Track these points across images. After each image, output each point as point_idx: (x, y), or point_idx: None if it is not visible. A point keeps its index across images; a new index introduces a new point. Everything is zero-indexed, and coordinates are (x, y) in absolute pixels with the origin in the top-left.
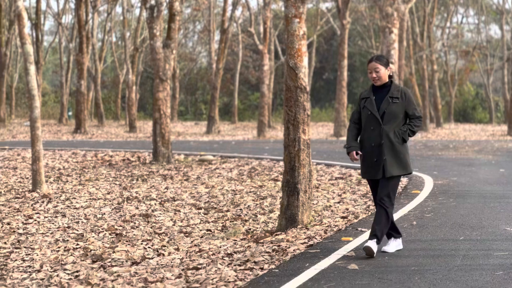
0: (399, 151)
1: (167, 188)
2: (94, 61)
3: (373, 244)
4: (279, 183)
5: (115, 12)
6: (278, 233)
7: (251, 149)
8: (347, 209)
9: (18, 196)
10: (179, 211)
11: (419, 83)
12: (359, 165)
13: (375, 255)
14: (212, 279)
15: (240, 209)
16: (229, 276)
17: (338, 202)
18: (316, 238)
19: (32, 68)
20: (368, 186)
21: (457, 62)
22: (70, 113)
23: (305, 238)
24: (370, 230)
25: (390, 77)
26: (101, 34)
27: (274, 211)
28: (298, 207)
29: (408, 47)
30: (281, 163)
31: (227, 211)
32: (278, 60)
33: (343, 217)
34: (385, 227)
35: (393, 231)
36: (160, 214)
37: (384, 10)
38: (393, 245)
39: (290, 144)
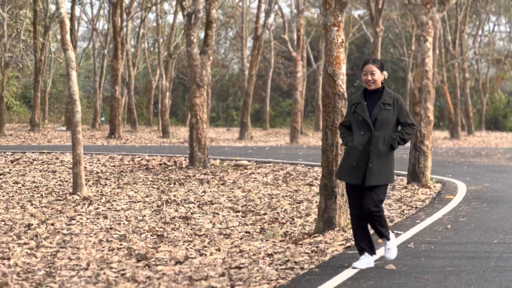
0: (385, 159)
1: (204, 192)
2: (128, 67)
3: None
4: (314, 188)
5: (147, 19)
6: (316, 235)
7: (285, 154)
8: None
9: (60, 198)
10: (217, 214)
11: (450, 91)
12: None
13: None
14: (254, 277)
15: (277, 213)
16: (271, 274)
17: None
18: (353, 240)
19: (74, 74)
20: (349, 188)
21: (489, 70)
22: (103, 118)
23: (342, 240)
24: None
25: (382, 83)
26: (134, 40)
27: (311, 214)
28: (335, 210)
29: (440, 55)
30: (316, 168)
31: (265, 214)
32: (310, 67)
33: None
34: (387, 229)
35: (368, 247)
36: (199, 216)
37: (419, 19)
38: (365, 261)
39: (328, 149)
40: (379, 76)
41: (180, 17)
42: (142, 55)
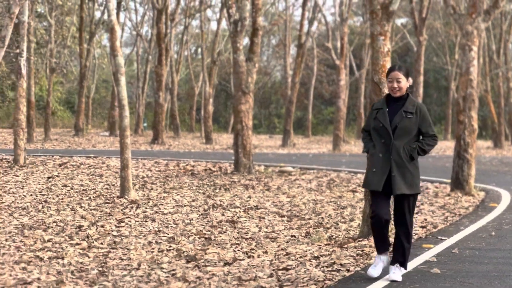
0: (407, 168)
1: (249, 197)
2: (171, 73)
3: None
4: (358, 194)
5: (190, 25)
6: (361, 239)
7: (328, 161)
8: (425, 219)
9: (108, 201)
10: (263, 218)
11: (494, 100)
12: (436, 178)
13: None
14: (302, 278)
15: (322, 218)
16: (318, 276)
17: (417, 213)
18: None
19: (123, 79)
20: (373, 195)
21: None
22: (145, 124)
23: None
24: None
25: (407, 90)
26: (177, 47)
27: (355, 219)
28: None
29: (484, 64)
30: (359, 175)
31: (309, 219)
32: (353, 75)
33: (422, 227)
34: (408, 251)
35: (386, 249)
36: (246, 220)
37: (464, 28)
38: (399, 273)
39: None
40: (405, 84)
41: (223, 23)
42: (184, 61)
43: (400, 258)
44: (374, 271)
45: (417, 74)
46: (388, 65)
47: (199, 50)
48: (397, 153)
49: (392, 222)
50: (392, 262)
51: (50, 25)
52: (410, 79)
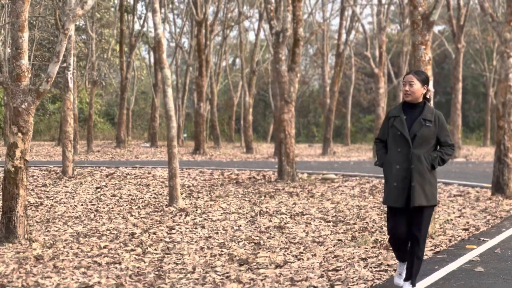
0: (428, 179)
1: (295, 203)
2: (211, 83)
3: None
4: None
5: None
6: None
7: (369, 168)
8: (467, 222)
9: (157, 210)
10: (309, 223)
11: None
12: (477, 183)
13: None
14: (351, 278)
15: (366, 222)
16: (367, 275)
17: (459, 217)
18: (441, 246)
19: (170, 91)
20: (391, 211)
21: None
22: (185, 135)
23: (431, 246)
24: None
25: (425, 98)
26: (215, 58)
27: None
28: None
29: None
30: None
31: (354, 223)
32: (391, 83)
33: (465, 229)
34: (418, 267)
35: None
36: (293, 226)
37: (503, 36)
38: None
39: None
40: (419, 89)
41: (261, 34)
42: (223, 72)
43: (408, 274)
44: (400, 280)
45: (455, 81)
46: (429, 73)
47: (237, 60)
48: (418, 162)
49: None
50: (406, 278)
51: (91, 38)
52: (431, 88)
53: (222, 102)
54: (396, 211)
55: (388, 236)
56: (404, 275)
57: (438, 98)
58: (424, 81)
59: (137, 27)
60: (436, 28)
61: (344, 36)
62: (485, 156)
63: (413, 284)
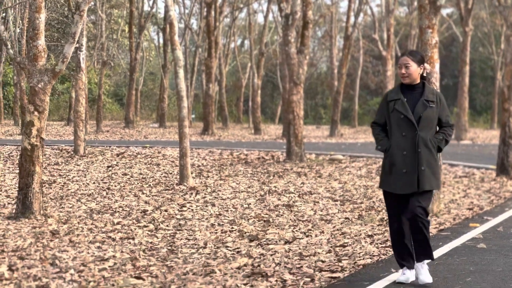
0: (435, 162)
1: (303, 183)
2: (219, 65)
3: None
4: None
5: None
6: None
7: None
8: (472, 202)
9: (168, 188)
10: (317, 202)
11: None
12: (482, 164)
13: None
14: (358, 253)
15: (373, 202)
16: (373, 251)
17: (463, 197)
18: (446, 224)
19: (181, 72)
20: (393, 198)
21: None
22: (193, 116)
23: (436, 224)
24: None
25: (423, 77)
26: (224, 39)
27: None
28: None
29: None
30: None
31: (361, 203)
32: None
33: (469, 209)
34: (429, 244)
35: (408, 262)
36: (301, 204)
37: (509, 20)
38: (407, 276)
39: None
40: (415, 70)
41: (269, 16)
42: (231, 53)
43: (420, 254)
44: (404, 277)
45: (463, 64)
46: (436, 56)
47: (245, 42)
48: (425, 146)
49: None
50: (417, 259)
51: (101, 19)
52: (427, 66)
53: (230, 83)
54: (401, 197)
55: (392, 229)
56: (408, 274)
57: (445, 81)
58: (420, 61)
59: (146, 8)
60: (444, 11)
61: (352, 19)
62: (491, 139)
63: (431, 258)
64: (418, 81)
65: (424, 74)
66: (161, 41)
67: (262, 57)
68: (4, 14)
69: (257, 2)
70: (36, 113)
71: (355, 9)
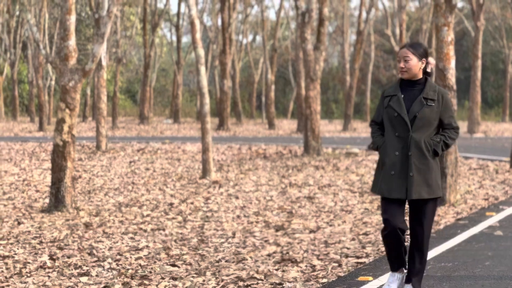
0: (429, 167)
1: (321, 176)
2: (233, 61)
3: None
4: None
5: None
6: None
7: None
8: (487, 193)
9: (191, 182)
10: (337, 194)
11: None
12: (496, 157)
13: None
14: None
15: None
16: None
17: (479, 188)
18: (463, 214)
19: (203, 69)
20: (385, 204)
21: None
22: None
23: (453, 214)
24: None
25: (425, 73)
26: (236, 36)
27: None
28: (445, 188)
29: None
30: None
31: None
32: None
33: (484, 199)
34: (421, 269)
35: (399, 266)
36: (321, 196)
37: None
38: (395, 280)
39: None
40: (415, 64)
41: (282, 12)
42: (244, 49)
43: (410, 277)
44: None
45: (475, 58)
46: (452, 53)
47: (257, 38)
48: (417, 149)
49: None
50: (406, 280)
51: (116, 16)
52: (431, 61)
53: (242, 79)
54: (392, 201)
55: (383, 233)
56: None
57: (456, 75)
58: (422, 55)
59: (159, 5)
60: None
61: (364, 14)
62: (503, 132)
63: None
64: (420, 76)
65: (428, 70)
66: (174, 38)
67: (275, 53)
68: (37, 17)
69: None
70: (67, 110)
71: (366, 5)
